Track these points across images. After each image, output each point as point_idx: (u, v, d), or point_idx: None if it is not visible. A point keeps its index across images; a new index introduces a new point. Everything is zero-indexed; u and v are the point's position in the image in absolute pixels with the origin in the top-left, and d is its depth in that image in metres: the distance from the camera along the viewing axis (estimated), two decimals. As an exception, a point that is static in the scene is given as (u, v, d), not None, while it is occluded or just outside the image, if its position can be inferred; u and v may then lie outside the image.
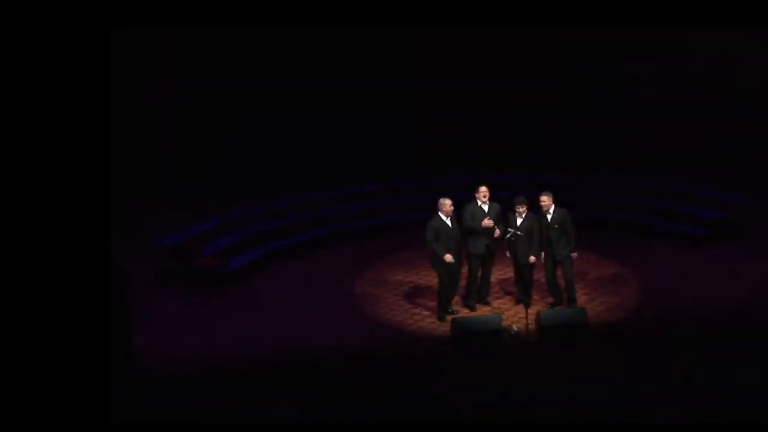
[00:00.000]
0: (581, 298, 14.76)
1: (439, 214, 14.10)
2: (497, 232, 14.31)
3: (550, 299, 14.54)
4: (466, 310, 14.50)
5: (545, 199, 14.22)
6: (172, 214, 17.80)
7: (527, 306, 13.85)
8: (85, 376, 9.36)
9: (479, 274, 14.50)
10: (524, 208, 14.25)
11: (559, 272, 14.37)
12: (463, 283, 14.57)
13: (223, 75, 19.64)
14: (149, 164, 19.09)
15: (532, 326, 13.54)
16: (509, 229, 14.09)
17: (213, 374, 12.51)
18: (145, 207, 18.19)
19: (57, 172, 9.69)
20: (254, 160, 19.53)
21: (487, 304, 14.68)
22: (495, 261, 14.64)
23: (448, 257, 13.91)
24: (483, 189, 14.38)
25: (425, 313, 14.57)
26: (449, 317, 14.01)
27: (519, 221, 14.21)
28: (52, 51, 9.91)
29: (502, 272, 15.44)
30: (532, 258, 14.16)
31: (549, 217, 14.21)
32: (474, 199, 14.42)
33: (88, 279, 9.55)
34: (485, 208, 14.35)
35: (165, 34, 18.48)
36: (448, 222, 14.08)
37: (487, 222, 14.18)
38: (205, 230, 16.68)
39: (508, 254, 14.40)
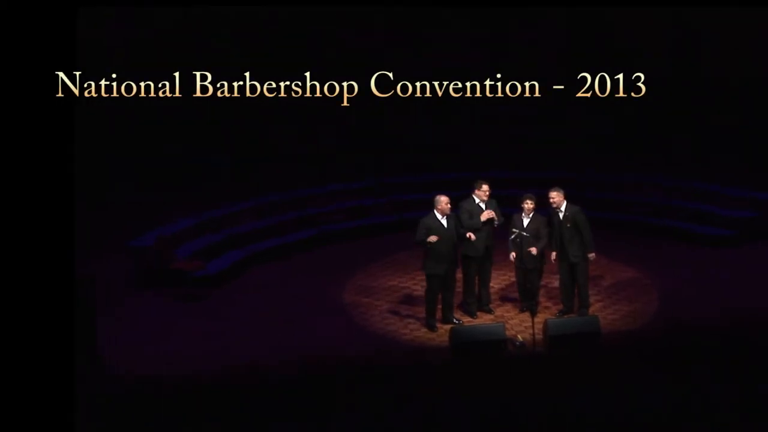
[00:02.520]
0: (594, 305, 14.46)
1: (435, 212, 13.50)
2: (504, 245, 13.87)
3: (559, 306, 14.20)
4: (467, 318, 14.07)
5: (555, 196, 13.81)
6: (156, 214, 17.50)
7: (534, 314, 13.38)
8: (50, 386, 9.26)
9: (476, 278, 14.03)
10: (532, 205, 13.77)
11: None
12: (459, 289, 14.12)
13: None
14: (130, 164, 19.08)
15: (539, 336, 13.06)
16: (514, 230, 13.65)
17: (190, 385, 12.08)
18: (124, 208, 18.05)
19: (18, 170, 9.70)
20: (243, 158, 19.58)
21: (489, 311, 14.26)
22: (493, 261, 14.23)
23: (432, 238, 13.28)
24: (485, 187, 13.95)
25: (421, 320, 14.16)
26: (450, 327, 13.42)
27: (525, 222, 13.76)
28: (17, 39, 9.91)
29: (505, 277, 15.13)
30: (534, 249, 13.65)
31: (561, 215, 13.78)
32: (471, 196, 13.95)
33: (53, 284, 9.51)
34: (483, 207, 13.93)
35: (145, 23, 18.55)
36: (444, 222, 13.54)
37: (487, 214, 13.72)
38: (184, 230, 16.44)
39: (512, 258, 13.90)
